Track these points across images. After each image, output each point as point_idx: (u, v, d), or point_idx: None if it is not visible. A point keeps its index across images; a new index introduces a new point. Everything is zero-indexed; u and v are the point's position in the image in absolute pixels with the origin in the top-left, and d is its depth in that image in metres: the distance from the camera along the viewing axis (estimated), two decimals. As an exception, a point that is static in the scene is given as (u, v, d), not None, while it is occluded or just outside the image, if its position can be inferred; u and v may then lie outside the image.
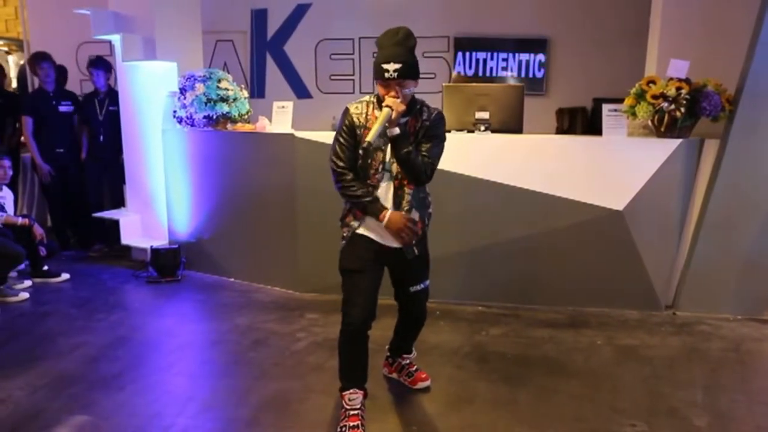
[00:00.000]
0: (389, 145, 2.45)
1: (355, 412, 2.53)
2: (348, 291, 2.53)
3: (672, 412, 2.71)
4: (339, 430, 2.51)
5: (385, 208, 2.47)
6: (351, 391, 2.55)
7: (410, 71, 2.40)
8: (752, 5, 3.52)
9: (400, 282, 2.71)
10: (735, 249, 3.75)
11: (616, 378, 3.04)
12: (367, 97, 2.55)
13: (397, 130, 2.38)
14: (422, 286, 2.70)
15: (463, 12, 6.13)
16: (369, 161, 2.47)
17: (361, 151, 2.47)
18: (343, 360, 2.58)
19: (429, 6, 6.15)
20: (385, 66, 2.37)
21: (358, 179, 2.49)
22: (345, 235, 2.60)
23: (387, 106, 2.36)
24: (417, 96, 2.57)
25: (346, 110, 2.51)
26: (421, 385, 2.92)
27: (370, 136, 2.32)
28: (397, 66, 2.36)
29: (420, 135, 2.48)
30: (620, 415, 2.69)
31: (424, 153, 2.44)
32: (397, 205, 2.49)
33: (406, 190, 2.49)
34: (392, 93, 2.39)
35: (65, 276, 4.65)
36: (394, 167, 2.48)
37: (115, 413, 2.70)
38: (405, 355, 2.99)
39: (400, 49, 2.39)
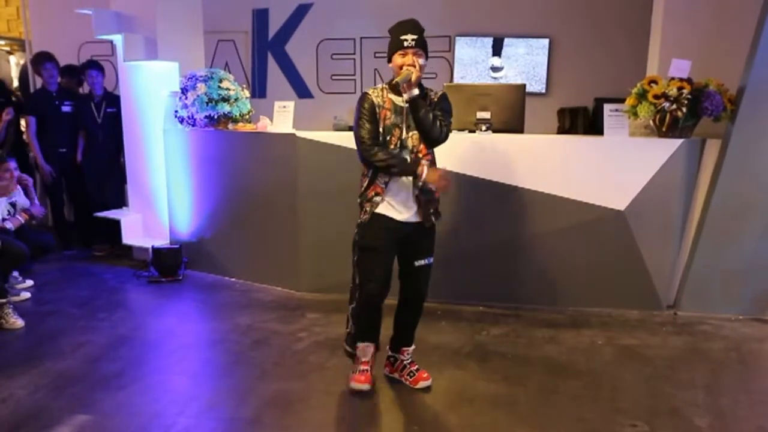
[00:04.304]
0: (404, 123, 2.70)
1: (366, 358, 2.87)
2: (365, 265, 2.78)
3: (673, 412, 2.71)
4: (351, 372, 2.86)
5: (419, 162, 2.70)
6: (365, 344, 2.87)
7: (425, 44, 2.70)
8: (754, 5, 3.51)
9: (408, 256, 2.84)
10: (737, 249, 3.75)
11: (617, 378, 3.04)
12: (380, 85, 2.80)
13: (416, 92, 2.64)
14: (426, 261, 2.85)
15: (464, 11, 6.13)
16: (388, 138, 2.70)
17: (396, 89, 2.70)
18: (359, 325, 2.88)
19: (429, 5, 6.14)
20: (403, 37, 2.66)
21: (383, 149, 2.70)
22: (366, 210, 2.77)
23: (407, 69, 2.64)
24: None
25: (364, 95, 2.74)
26: (422, 384, 2.92)
27: (399, 78, 2.62)
28: (415, 36, 2.66)
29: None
30: (621, 415, 2.69)
31: (439, 116, 2.68)
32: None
33: (423, 160, 2.71)
34: (409, 60, 2.65)
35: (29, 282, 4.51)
36: (410, 141, 2.71)
37: (117, 412, 2.70)
38: (404, 349, 2.99)
39: (416, 28, 2.70)
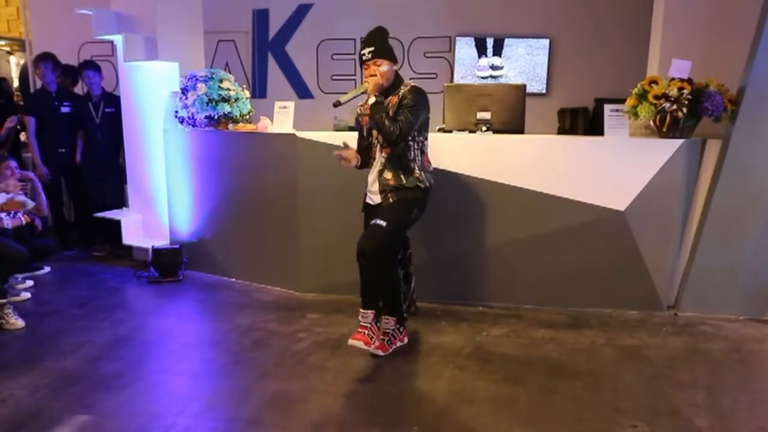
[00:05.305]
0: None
1: (365, 323, 3.14)
2: None
3: (674, 413, 2.71)
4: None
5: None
6: (362, 311, 3.19)
7: (381, 52, 3.05)
8: (754, 5, 3.51)
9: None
10: (737, 249, 3.75)
11: (618, 378, 3.04)
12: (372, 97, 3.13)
13: (373, 99, 3.04)
14: (375, 221, 3.10)
15: (464, 12, 6.12)
16: (370, 139, 3.20)
17: (348, 111, 3.37)
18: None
19: (430, 6, 6.14)
20: (362, 52, 3.08)
21: (362, 153, 3.29)
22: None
23: (365, 81, 3.06)
24: None
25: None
26: (350, 341, 3.10)
27: (342, 98, 3.04)
28: (371, 49, 3.04)
29: (399, 105, 3.05)
30: (621, 415, 2.69)
31: (400, 119, 2.99)
32: (379, 164, 3.17)
33: (383, 154, 3.14)
34: (370, 71, 3.05)
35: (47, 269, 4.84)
36: (381, 138, 3.11)
37: (117, 413, 2.70)
38: (381, 316, 3.26)
39: (371, 39, 3.07)
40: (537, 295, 3.99)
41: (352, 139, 3.42)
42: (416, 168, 3.14)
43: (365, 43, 3.07)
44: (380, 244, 3.06)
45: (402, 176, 3.11)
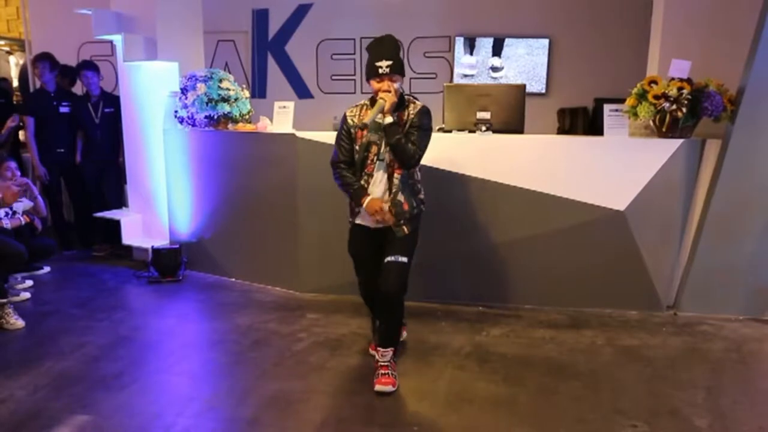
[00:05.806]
0: (383, 139, 2.85)
1: (385, 362, 2.94)
2: (355, 269, 3.14)
3: (673, 413, 2.71)
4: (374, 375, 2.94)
5: (367, 194, 2.90)
6: (382, 350, 2.97)
7: (399, 67, 2.84)
8: (754, 5, 3.51)
9: (382, 254, 2.95)
10: (737, 249, 3.75)
11: (617, 378, 3.04)
12: (361, 101, 2.96)
13: (390, 119, 2.80)
14: (395, 258, 2.89)
15: (464, 12, 6.13)
16: (366, 153, 2.90)
17: (361, 130, 2.90)
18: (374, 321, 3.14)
19: (430, 6, 6.15)
20: (378, 64, 2.81)
21: (350, 169, 2.94)
22: (350, 220, 3.05)
23: (381, 98, 2.80)
24: (418, 94, 2.97)
25: (344, 116, 2.96)
26: (378, 387, 2.88)
27: (368, 118, 2.78)
28: (389, 63, 2.80)
29: (407, 126, 2.86)
30: (621, 415, 2.69)
31: (413, 140, 2.82)
32: (389, 187, 2.89)
33: (395, 175, 2.88)
34: (385, 86, 2.81)
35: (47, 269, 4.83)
36: (387, 156, 2.87)
37: (117, 413, 2.70)
38: (379, 348, 2.99)
39: (389, 50, 2.85)
40: (537, 295, 3.99)
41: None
42: (421, 189, 3.02)
43: (381, 55, 2.82)
44: (404, 282, 2.92)
45: (413, 200, 2.95)
